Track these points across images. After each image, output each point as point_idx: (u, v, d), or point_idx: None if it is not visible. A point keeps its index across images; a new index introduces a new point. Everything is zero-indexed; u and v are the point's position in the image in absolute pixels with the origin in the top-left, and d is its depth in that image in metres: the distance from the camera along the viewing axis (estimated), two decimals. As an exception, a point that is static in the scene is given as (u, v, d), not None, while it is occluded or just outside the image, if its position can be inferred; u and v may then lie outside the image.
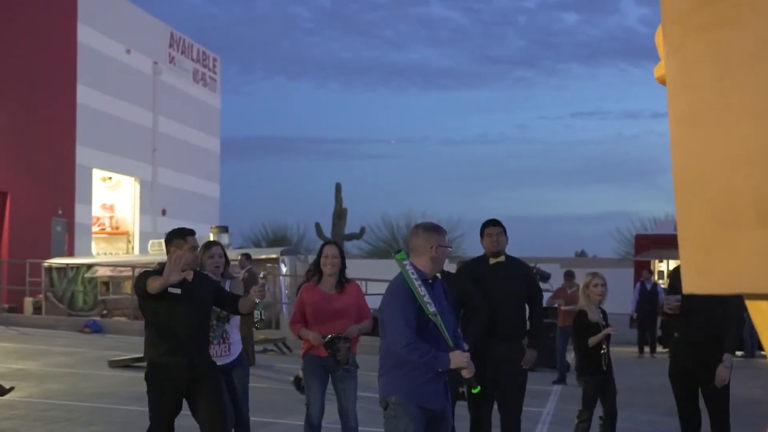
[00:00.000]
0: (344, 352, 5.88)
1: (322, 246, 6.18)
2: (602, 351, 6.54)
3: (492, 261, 6.36)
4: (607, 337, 6.58)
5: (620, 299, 18.09)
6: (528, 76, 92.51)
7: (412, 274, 4.30)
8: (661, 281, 20.11)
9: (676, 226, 2.16)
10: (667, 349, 15.82)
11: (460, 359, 4.30)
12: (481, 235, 6.42)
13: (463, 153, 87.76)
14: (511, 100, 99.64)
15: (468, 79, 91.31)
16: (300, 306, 6.03)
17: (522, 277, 6.40)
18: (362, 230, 29.35)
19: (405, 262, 4.35)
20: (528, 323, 6.47)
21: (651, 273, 18.87)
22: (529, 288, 6.39)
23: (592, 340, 6.48)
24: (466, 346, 4.78)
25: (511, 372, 6.14)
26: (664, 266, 21.41)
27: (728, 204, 1.95)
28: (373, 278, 22.23)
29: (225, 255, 6.05)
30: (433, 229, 4.48)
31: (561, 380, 12.60)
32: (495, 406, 6.27)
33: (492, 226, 6.37)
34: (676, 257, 21.21)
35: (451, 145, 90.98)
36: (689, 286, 2.08)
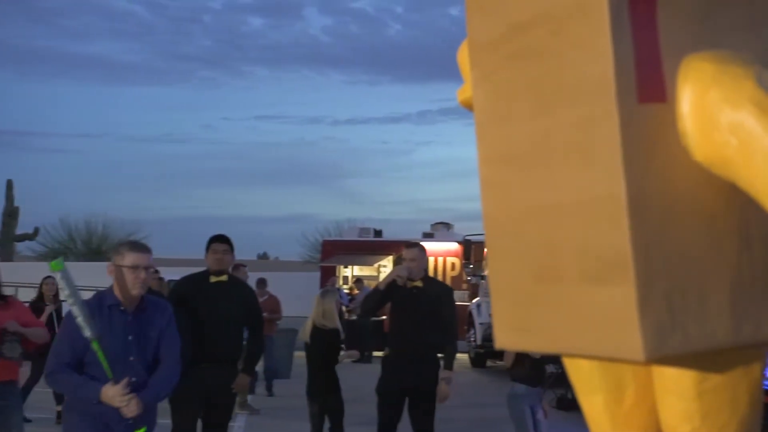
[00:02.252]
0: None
1: None
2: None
3: (213, 279, 5.95)
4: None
5: (305, 303, 18.37)
6: (214, 76, 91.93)
7: (69, 288, 3.84)
8: (345, 286, 20.77)
9: (488, 275, 1.95)
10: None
11: (112, 393, 3.81)
12: (207, 250, 5.99)
13: (147, 151, 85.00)
14: (196, 99, 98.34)
15: (153, 76, 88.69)
16: None
17: (242, 299, 6.03)
18: (36, 231, 27.29)
19: (59, 273, 3.88)
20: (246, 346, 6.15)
21: (337, 279, 19.37)
22: (249, 310, 6.06)
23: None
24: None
25: (222, 395, 5.83)
26: (349, 272, 22.11)
27: (548, 256, 1.74)
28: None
29: None
30: (115, 249, 4.18)
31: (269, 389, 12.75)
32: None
33: (218, 243, 5.98)
34: (360, 263, 22.10)
35: (134, 142, 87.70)
36: (503, 343, 1.90)
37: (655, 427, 1.91)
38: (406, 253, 6.27)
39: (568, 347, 1.76)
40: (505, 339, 1.89)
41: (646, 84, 1.64)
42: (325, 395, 6.92)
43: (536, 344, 1.85)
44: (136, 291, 3.99)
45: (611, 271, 1.60)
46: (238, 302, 5.94)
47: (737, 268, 1.65)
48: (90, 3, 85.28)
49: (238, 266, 12.90)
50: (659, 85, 1.66)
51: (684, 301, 1.59)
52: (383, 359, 6.40)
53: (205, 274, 5.99)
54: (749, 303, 1.65)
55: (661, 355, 1.56)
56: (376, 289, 6.31)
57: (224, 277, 5.96)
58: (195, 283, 6.03)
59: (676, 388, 1.78)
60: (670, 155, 1.64)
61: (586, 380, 1.98)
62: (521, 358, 6.76)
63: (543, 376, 7.06)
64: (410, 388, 6.09)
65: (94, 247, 39.43)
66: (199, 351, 5.66)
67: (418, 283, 6.17)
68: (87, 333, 3.76)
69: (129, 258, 3.99)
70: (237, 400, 10.54)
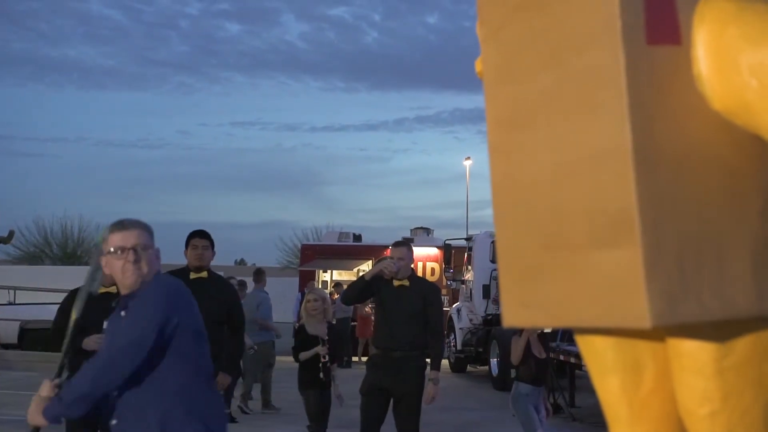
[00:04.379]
0: None
1: None
2: (320, 363, 6.84)
3: (193, 276, 5.77)
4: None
5: (285, 307, 18.25)
6: (190, 82, 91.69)
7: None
8: (325, 290, 20.65)
9: (497, 251, 1.79)
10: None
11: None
12: (186, 245, 5.85)
13: (122, 156, 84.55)
14: (172, 105, 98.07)
15: (128, 80, 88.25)
16: None
17: (223, 296, 5.87)
18: (11, 233, 26.84)
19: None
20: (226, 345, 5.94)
21: (314, 283, 19.26)
22: (229, 308, 5.89)
23: (303, 355, 6.84)
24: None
25: None
26: (328, 276, 22.00)
27: (555, 223, 1.58)
28: (22, 286, 20.43)
29: None
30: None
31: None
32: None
33: (199, 238, 5.83)
34: (339, 267, 21.99)
35: (109, 146, 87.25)
36: (510, 320, 1.73)
37: (676, 417, 1.74)
38: (394, 251, 6.19)
39: (575, 320, 1.59)
40: (512, 316, 1.74)
41: (657, 24, 1.49)
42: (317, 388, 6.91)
43: (543, 319, 1.69)
44: (127, 278, 3.16)
45: (617, 232, 1.45)
46: (218, 300, 5.75)
47: (761, 231, 1.50)
48: (66, 7, 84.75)
49: (260, 272, 12.75)
50: (672, 25, 1.52)
51: (698, 264, 1.44)
52: (368, 359, 6.30)
53: (184, 271, 5.80)
54: None
55: (669, 323, 1.40)
56: (361, 278, 6.20)
57: (204, 274, 5.80)
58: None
59: (694, 364, 1.60)
60: (685, 103, 1.49)
61: (600, 360, 1.82)
62: (526, 357, 6.79)
63: (547, 375, 7.07)
64: (395, 389, 6.00)
65: (69, 251, 39.03)
66: None
67: (405, 282, 6.08)
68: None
69: (113, 240, 3.17)
70: (261, 398, 10.59)
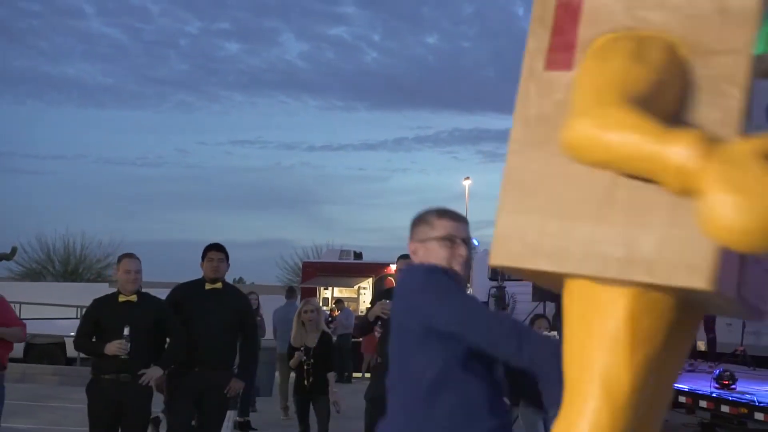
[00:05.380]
0: None
1: None
2: (304, 370, 7.27)
3: (209, 286, 6.12)
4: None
5: (287, 326, 18.45)
6: (190, 101, 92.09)
7: None
8: (326, 308, 20.92)
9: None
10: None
11: None
12: (203, 257, 6.17)
13: (121, 174, 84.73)
14: (171, 123, 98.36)
15: (128, 99, 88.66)
16: None
17: (236, 306, 6.21)
18: (14, 250, 27.09)
19: None
20: (240, 352, 6.31)
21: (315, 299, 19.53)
22: (242, 318, 6.23)
23: (292, 363, 7.33)
24: None
25: (215, 398, 5.99)
26: (329, 293, 22.29)
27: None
28: (27, 301, 20.67)
29: None
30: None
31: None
32: None
33: (215, 251, 6.16)
34: (340, 284, 22.26)
35: (108, 164, 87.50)
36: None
37: None
38: (401, 263, 6.55)
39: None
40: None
41: (556, 50, 1.86)
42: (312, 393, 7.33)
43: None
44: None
45: None
46: (232, 309, 6.12)
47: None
48: (65, 25, 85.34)
49: (292, 289, 13.12)
50: (568, 52, 1.85)
51: None
52: (373, 368, 6.62)
53: (200, 282, 6.16)
54: None
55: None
56: (365, 318, 6.57)
57: (219, 285, 6.14)
58: (191, 289, 6.20)
59: None
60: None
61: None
62: None
63: None
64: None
65: (71, 268, 39.24)
66: (194, 356, 5.86)
67: None
68: None
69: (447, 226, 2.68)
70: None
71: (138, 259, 5.81)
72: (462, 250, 2.64)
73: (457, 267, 2.61)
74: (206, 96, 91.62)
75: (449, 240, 2.63)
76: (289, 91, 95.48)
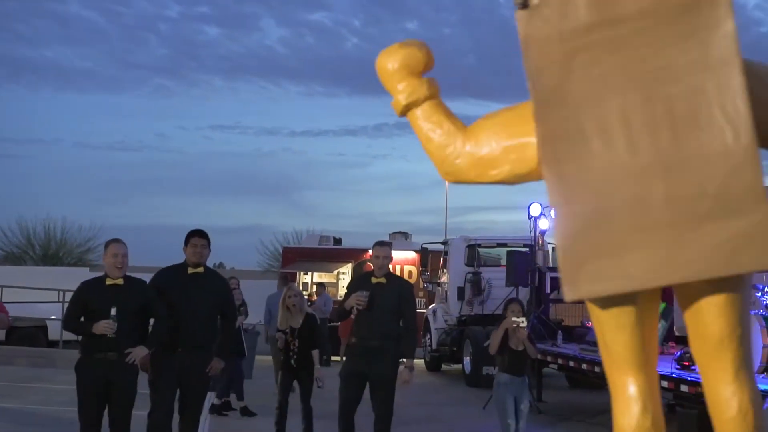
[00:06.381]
0: None
1: None
2: (290, 351, 7.77)
3: (191, 271, 6.42)
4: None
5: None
6: (169, 85, 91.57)
7: None
8: (305, 292, 21.21)
9: (562, 239, 2.48)
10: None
11: None
12: (186, 243, 6.46)
13: (100, 158, 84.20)
14: (150, 108, 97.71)
15: (106, 83, 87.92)
16: None
17: (217, 289, 6.54)
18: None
19: None
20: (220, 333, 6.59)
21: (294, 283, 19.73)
22: (223, 301, 6.55)
23: (279, 344, 7.86)
24: None
25: (197, 378, 6.31)
26: (309, 278, 22.56)
27: (645, 208, 2.41)
28: (8, 284, 20.80)
29: None
30: None
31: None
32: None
33: (198, 237, 6.45)
34: (319, 270, 22.52)
35: (87, 149, 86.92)
36: (588, 291, 2.50)
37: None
38: (377, 249, 6.92)
39: (684, 276, 2.32)
40: (588, 289, 2.43)
41: None
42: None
43: (631, 285, 2.38)
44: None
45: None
46: (213, 293, 6.46)
47: None
48: (43, 8, 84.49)
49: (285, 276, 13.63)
50: None
51: None
52: (347, 347, 6.95)
53: (183, 266, 6.48)
54: None
55: None
56: (342, 308, 6.94)
57: (201, 269, 6.46)
58: (174, 273, 6.51)
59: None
60: None
61: (624, 317, 2.55)
62: (502, 348, 7.39)
63: (523, 367, 7.64)
64: (371, 374, 6.67)
65: (51, 252, 39.26)
66: (177, 337, 6.18)
67: (382, 280, 6.81)
68: None
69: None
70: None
71: (125, 243, 6.11)
72: None
73: None
74: (186, 81, 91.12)
75: None
76: (270, 77, 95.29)
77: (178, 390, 6.29)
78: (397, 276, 7.32)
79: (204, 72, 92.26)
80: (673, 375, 8.08)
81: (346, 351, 7.02)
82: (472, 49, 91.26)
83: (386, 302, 6.74)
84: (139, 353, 5.92)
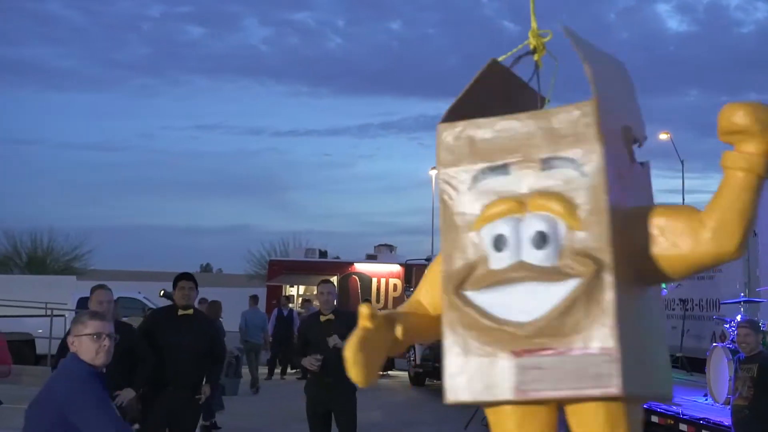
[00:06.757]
0: None
1: None
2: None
3: (181, 313, 6.72)
4: None
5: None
6: (152, 84, 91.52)
7: None
8: (291, 305, 21.43)
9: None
10: (295, 371, 17.25)
11: None
12: (174, 286, 6.77)
13: (83, 158, 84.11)
14: (134, 108, 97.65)
15: (88, 82, 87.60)
16: None
17: (206, 331, 6.85)
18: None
19: None
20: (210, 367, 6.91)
21: (287, 299, 19.93)
22: (212, 341, 6.87)
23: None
24: None
25: (188, 417, 6.66)
26: (295, 291, 22.81)
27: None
28: (-4, 298, 20.89)
29: None
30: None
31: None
32: None
33: (185, 281, 6.75)
34: (305, 282, 22.78)
35: (68, 149, 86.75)
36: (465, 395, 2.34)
37: None
38: (321, 287, 7.29)
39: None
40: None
41: None
42: None
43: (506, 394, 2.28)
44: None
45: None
46: (203, 334, 6.79)
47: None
48: (22, 7, 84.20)
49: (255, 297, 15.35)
50: None
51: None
52: (306, 385, 7.26)
53: (173, 308, 6.85)
54: None
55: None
56: (297, 357, 7.16)
57: (190, 311, 6.81)
58: (164, 315, 6.90)
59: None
60: None
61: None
62: None
63: None
64: (333, 407, 7.05)
65: (39, 260, 39.29)
66: (167, 377, 6.49)
67: (330, 317, 7.10)
68: None
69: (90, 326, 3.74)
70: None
71: (110, 290, 6.38)
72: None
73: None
74: (169, 80, 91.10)
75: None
76: (254, 76, 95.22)
77: (167, 429, 6.58)
78: (344, 311, 7.54)
79: (187, 71, 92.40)
80: (644, 405, 8.35)
81: (305, 389, 7.26)
82: (454, 48, 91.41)
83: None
84: (126, 395, 6.18)
